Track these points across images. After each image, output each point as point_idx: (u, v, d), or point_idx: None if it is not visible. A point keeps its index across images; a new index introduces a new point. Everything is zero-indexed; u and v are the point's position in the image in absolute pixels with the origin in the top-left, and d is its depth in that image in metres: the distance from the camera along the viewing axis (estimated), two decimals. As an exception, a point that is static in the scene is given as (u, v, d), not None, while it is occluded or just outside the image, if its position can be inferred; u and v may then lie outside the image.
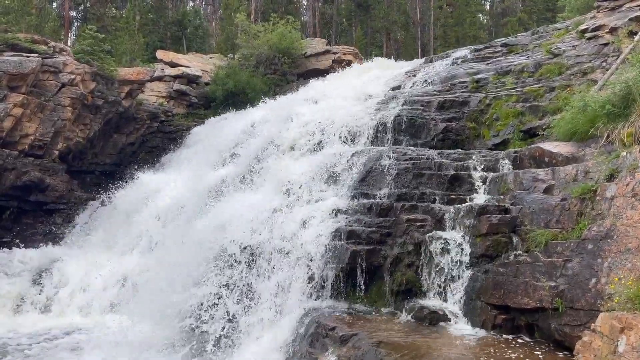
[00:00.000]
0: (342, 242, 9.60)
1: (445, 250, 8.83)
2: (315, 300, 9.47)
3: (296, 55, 26.89)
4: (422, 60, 21.84)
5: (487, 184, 10.25)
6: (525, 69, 14.36)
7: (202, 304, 10.45)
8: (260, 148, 14.49)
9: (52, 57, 17.73)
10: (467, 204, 9.56)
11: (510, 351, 6.78)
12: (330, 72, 24.38)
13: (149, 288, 12.28)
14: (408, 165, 10.88)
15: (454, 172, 10.55)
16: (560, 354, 6.72)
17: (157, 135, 22.17)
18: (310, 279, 9.69)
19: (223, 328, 9.97)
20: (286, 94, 21.17)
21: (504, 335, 7.49)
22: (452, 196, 10.07)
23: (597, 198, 7.30)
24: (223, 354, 9.53)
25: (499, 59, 16.46)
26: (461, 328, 7.94)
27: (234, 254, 10.84)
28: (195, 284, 10.77)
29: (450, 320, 8.14)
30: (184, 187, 15.83)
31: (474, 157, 11.12)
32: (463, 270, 8.58)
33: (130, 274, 13.97)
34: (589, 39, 13.51)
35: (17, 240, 16.56)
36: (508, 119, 12.71)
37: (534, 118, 12.24)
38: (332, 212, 10.57)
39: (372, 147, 12.89)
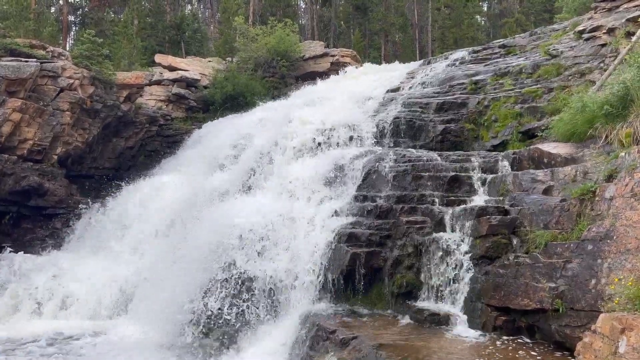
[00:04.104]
0: (342, 245, 9.59)
1: (445, 252, 8.83)
2: (315, 302, 9.47)
3: (294, 58, 26.92)
4: (421, 62, 21.87)
5: (487, 185, 10.26)
6: (523, 70, 14.39)
7: (202, 307, 10.43)
8: (259, 151, 14.49)
9: (51, 62, 17.71)
10: (466, 205, 9.56)
11: (510, 352, 6.78)
12: (329, 75, 24.46)
13: (148, 292, 12.26)
14: (407, 167, 10.88)
15: (453, 174, 10.55)
16: (558, 354, 6.72)
17: (156, 139, 22.14)
18: (311, 281, 9.69)
19: (223, 331, 9.96)
20: (284, 96, 21.19)
21: (504, 337, 7.48)
22: (452, 198, 10.07)
23: (597, 199, 7.30)
24: (223, 356, 9.51)
25: (497, 60, 16.50)
26: (461, 330, 7.93)
27: (234, 255, 10.82)
28: (196, 287, 10.75)
29: (450, 322, 8.13)
30: (184, 189, 15.81)
31: (473, 158, 11.12)
32: (463, 272, 8.57)
33: (129, 278, 13.94)
34: (587, 39, 13.54)
35: (17, 245, 16.52)
36: (506, 120, 12.73)
37: (532, 119, 12.26)
38: (332, 215, 10.58)
39: (371, 149, 12.89)
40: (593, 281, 6.55)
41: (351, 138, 13.74)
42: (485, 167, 10.80)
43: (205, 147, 18.00)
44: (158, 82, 23.77)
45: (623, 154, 7.56)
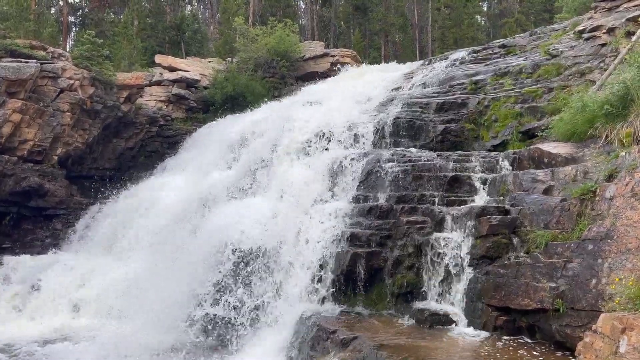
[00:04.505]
0: (343, 245, 9.59)
1: (445, 252, 8.82)
2: (316, 303, 9.47)
3: (295, 59, 26.93)
4: (421, 62, 21.87)
5: (487, 185, 10.25)
6: (523, 70, 14.37)
7: (201, 308, 10.43)
8: (260, 152, 14.48)
9: (51, 63, 17.73)
10: (467, 205, 9.56)
11: (510, 352, 6.78)
12: (330, 75, 24.48)
13: (149, 292, 12.25)
14: (407, 167, 10.87)
15: (454, 174, 10.55)
16: (559, 354, 6.72)
17: (156, 139, 22.17)
18: (311, 282, 9.68)
19: (224, 331, 9.96)
20: (285, 97, 21.18)
21: (505, 337, 7.48)
22: (452, 198, 10.07)
23: (597, 198, 7.30)
24: (223, 356, 9.51)
25: (497, 60, 16.48)
26: (462, 330, 7.93)
27: (235, 258, 10.83)
28: (196, 288, 10.75)
29: (451, 322, 8.13)
30: (184, 191, 15.81)
31: (473, 158, 11.11)
32: (463, 272, 8.57)
33: (130, 278, 13.94)
34: (587, 39, 13.53)
35: (17, 246, 16.53)
36: (507, 120, 12.72)
37: (532, 119, 12.25)
38: (332, 215, 10.57)
39: (371, 149, 12.88)
40: (594, 281, 6.55)
41: (351, 138, 13.73)
42: (486, 167, 10.80)
43: (206, 147, 18.00)
44: (158, 83, 23.78)
45: (623, 153, 7.56)
